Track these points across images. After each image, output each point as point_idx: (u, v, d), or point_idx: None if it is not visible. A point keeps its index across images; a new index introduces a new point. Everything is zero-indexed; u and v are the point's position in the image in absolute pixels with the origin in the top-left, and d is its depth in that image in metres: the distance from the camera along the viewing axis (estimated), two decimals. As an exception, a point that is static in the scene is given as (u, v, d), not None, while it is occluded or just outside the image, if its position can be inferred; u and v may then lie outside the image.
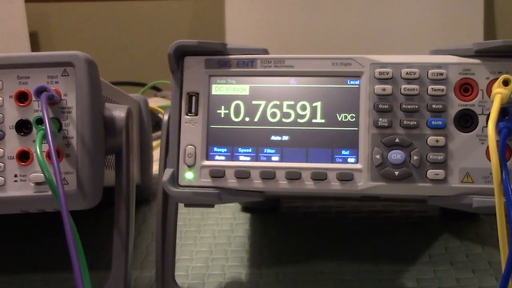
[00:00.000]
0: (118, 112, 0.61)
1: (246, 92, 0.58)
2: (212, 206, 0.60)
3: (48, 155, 0.55)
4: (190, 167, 0.57)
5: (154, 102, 1.25)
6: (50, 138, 0.51)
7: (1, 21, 1.63)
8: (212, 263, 0.71)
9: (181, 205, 0.62)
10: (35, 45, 1.89)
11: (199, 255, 0.72)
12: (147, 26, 1.81)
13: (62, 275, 0.69)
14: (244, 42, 0.59)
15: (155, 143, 0.96)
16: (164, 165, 0.59)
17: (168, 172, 0.57)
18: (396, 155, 0.55)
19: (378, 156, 0.55)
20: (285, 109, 0.58)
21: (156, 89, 1.41)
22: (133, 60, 1.77)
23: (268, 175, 0.56)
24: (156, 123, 1.05)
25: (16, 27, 1.63)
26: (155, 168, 0.88)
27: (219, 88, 0.59)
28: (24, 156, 0.57)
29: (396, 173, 0.55)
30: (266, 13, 1.63)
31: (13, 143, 0.57)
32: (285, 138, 0.57)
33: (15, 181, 0.57)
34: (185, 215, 0.81)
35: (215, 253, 0.73)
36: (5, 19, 1.65)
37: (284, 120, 0.58)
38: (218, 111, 0.58)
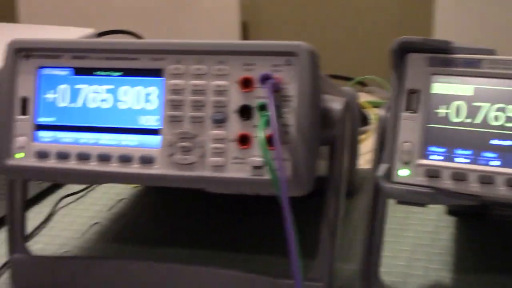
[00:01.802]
0: (336, 104, 0.61)
1: (470, 93, 0.56)
2: (423, 205, 0.59)
3: (268, 141, 0.57)
4: (405, 164, 0.57)
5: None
6: (274, 125, 0.53)
7: (217, 11, 1.71)
8: (414, 263, 0.70)
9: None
10: (245, 34, 1.96)
11: (402, 254, 0.71)
12: (351, 19, 1.81)
13: (266, 257, 0.71)
14: (453, 38, 0.57)
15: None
16: (378, 160, 0.59)
17: (383, 167, 0.57)
18: None
19: None
20: (509, 113, 0.55)
21: (361, 84, 1.41)
22: (338, 53, 1.78)
23: (487, 179, 0.54)
24: (362, 118, 1.05)
25: (229, 17, 1.71)
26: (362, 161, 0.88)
27: (441, 87, 0.57)
28: (244, 140, 0.59)
29: None
30: (480, 8, 1.56)
31: (235, 126, 0.59)
32: (508, 143, 0.55)
33: (234, 163, 0.59)
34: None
35: (418, 254, 0.71)
36: (220, 9, 1.73)
37: (507, 124, 0.55)
38: (438, 110, 0.57)
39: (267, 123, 0.56)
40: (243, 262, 0.71)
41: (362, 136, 0.99)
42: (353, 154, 0.85)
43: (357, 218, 0.79)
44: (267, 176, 0.57)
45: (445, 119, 0.57)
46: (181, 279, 0.65)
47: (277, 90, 0.58)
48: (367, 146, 0.94)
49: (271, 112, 0.54)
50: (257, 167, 0.58)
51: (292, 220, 0.50)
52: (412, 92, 0.58)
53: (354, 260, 0.71)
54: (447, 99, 0.57)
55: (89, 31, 1.05)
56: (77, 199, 0.90)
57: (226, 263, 0.66)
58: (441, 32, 1.59)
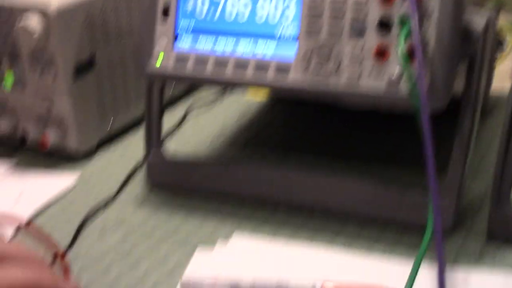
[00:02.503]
0: (478, 19, 0.60)
1: None
2: None
3: (409, 54, 0.56)
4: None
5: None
6: (417, 35, 0.52)
7: None
8: None
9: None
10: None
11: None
12: None
13: (395, 170, 0.72)
14: None
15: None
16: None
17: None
18: None
19: None
20: None
21: (500, 3, 1.35)
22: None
23: None
24: (498, 42, 1.01)
25: None
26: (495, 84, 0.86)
27: None
28: (381, 53, 0.59)
29: None
30: None
31: (373, 39, 0.59)
32: None
33: (370, 76, 0.59)
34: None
35: None
36: None
37: None
38: None
39: (408, 35, 0.55)
40: (372, 174, 0.72)
41: (497, 60, 0.96)
42: (489, 75, 0.83)
43: (487, 140, 0.78)
44: (403, 91, 0.57)
45: None
46: (310, 187, 0.67)
47: (419, 2, 0.57)
48: (501, 69, 0.91)
49: (414, 22, 0.53)
50: (393, 82, 0.58)
51: (430, 134, 0.50)
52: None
53: (483, 180, 0.70)
54: None
55: None
56: (207, 108, 0.93)
57: (355, 175, 0.67)
58: None
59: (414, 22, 0.54)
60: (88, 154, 0.81)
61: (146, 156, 0.74)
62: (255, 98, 0.94)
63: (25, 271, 0.32)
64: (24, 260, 0.33)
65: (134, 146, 0.83)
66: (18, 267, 0.32)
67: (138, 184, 0.75)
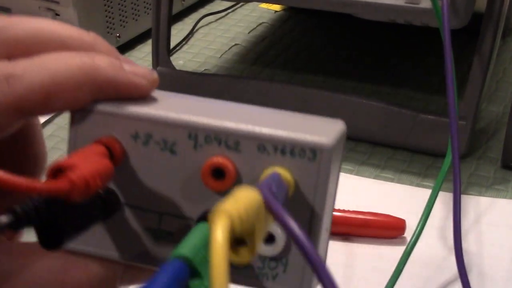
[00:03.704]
0: None
1: None
2: None
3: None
4: None
5: None
6: None
7: None
8: None
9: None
10: None
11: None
12: None
13: (409, 92, 0.70)
14: None
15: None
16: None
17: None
18: None
19: None
20: None
21: None
22: None
23: None
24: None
25: None
26: None
27: None
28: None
29: None
30: None
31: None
32: None
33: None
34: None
35: None
36: None
37: None
38: None
39: None
40: (386, 94, 0.70)
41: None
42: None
43: (507, 60, 0.75)
44: (423, 5, 0.54)
45: None
46: (318, 106, 0.65)
47: None
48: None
49: None
50: (413, -6, 0.55)
51: (451, 51, 0.48)
52: None
53: (500, 103, 0.68)
54: None
55: None
56: (218, 19, 0.90)
57: (368, 94, 0.65)
58: None
59: None
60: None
61: (155, 66, 0.72)
62: (270, 7, 0.91)
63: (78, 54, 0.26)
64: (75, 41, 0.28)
65: (142, 58, 0.81)
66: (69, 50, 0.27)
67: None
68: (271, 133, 0.25)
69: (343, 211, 0.52)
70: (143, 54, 0.82)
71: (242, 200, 0.21)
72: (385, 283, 0.46)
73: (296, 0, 0.60)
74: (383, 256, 0.50)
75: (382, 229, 0.52)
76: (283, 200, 0.24)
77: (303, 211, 0.25)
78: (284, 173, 0.24)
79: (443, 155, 0.51)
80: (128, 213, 0.27)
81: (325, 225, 0.26)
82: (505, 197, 0.56)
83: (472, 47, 0.59)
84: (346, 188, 0.57)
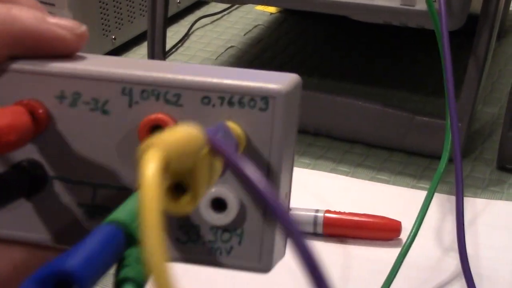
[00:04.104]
0: None
1: None
2: None
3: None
4: None
5: None
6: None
7: None
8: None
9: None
10: None
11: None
12: None
13: (405, 94, 0.70)
14: None
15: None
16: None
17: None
18: None
19: None
20: None
21: None
22: None
23: None
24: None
25: None
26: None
27: None
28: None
29: None
30: None
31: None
32: None
33: (384, -10, 0.56)
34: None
35: None
36: None
37: None
38: None
39: None
40: (381, 96, 0.70)
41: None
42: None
43: (502, 62, 0.76)
44: (418, 7, 0.54)
45: None
46: (314, 109, 0.64)
47: None
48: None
49: None
50: (408, -4, 0.55)
51: (449, 53, 0.47)
52: None
53: (495, 104, 0.68)
54: None
55: None
56: (213, 21, 0.90)
57: (363, 96, 0.65)
58: None
59: None
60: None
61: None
62: (266, 9, 0.91)
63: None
64: None
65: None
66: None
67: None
68: (216, 82, 0.22)
69: (339, 213, 0.52)
70: (139, 56, 0.81)
71: (179, 133, 0.18)
72: (380, 284, 0.46)
73: (291, 2, 0.60)
74: (378, 257, 0.50)
75: (378, 231, 0.51)
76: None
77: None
78: (233, 126, 0.21)
79: (438, 157, 0.51)
80: (57, 188, 0.23)
81: (284, 188, 0.23)
82: (501, 198, 0.56)
83: (467, 48, 0.59)
84: (342, 190, 0.57)
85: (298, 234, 0.16)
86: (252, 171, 0.17)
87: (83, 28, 0.24)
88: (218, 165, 0.19)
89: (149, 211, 0.15)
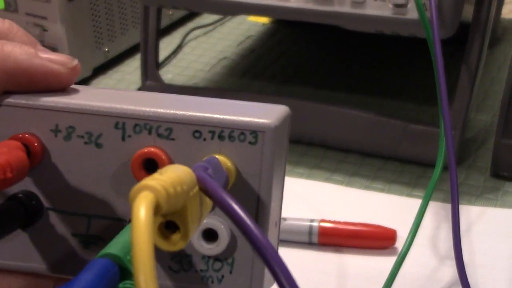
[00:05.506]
0: None
1: None
2: None
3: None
4: None
5: None
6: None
7: None
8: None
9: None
10: None
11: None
12: None
13: (398, 102, 0.70)
14: None
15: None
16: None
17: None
18: None
19: None
20: None
21: None
22: None
23: None
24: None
25: None
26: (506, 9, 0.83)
27: None
28: (388, -24, 0.56)
29: None
30: None
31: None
32: None
33: (375, 0, 0.56)
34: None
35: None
36: None
37: None
38: None
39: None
40: (375, 105, 0.70)
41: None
42: (500, 1, 0.79)
43: (495, 69, 0.76)
44: (410, 15, 0.55)
45: None
46: (308, 118, 0.65)
47: None
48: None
49: None
50: (400, 5, 0.55)
51: (442, 61, 0.48)
52: None
53: (488, 112, 0.68)
54: None
55: None
56: (206, 33, 0.90)
57: (357, 105, 0.65)
58: None
59: None
60: (82, 83, 0.79)
61: (143, 79, 0.72)
62: (258, 20, 0.91)
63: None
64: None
65: (131, 72, 0.81)
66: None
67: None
68: (207, 117, 0.22)
69: (334, 222, 0.52)
70: (132, 68, 0.81)
71: (169, 174, 0.18)
72: (377, 294, 0.46)
73: (283, 13, 0.60)
74: (374, 266, 0.50)
75: (373, 240, 0.51)
76: (222, 186, 0.21)
77: (247, 202, 0.22)
78: (224, 160, 0.22)
79: (433, 165, 0.51)
80: (52, 219, 0.24)
81: (274, 217, 0.23)
82: (495, 206, 0.56)
83: (459, 56, 0.59)
84: (337, 199, 0.57)
85: (285, 271, 0.17)
86: (239, 211, 0.18)
87: (75, 61, 0.25)
88: (209, 201, 0.20)
89: (140, 255, 0.15)
